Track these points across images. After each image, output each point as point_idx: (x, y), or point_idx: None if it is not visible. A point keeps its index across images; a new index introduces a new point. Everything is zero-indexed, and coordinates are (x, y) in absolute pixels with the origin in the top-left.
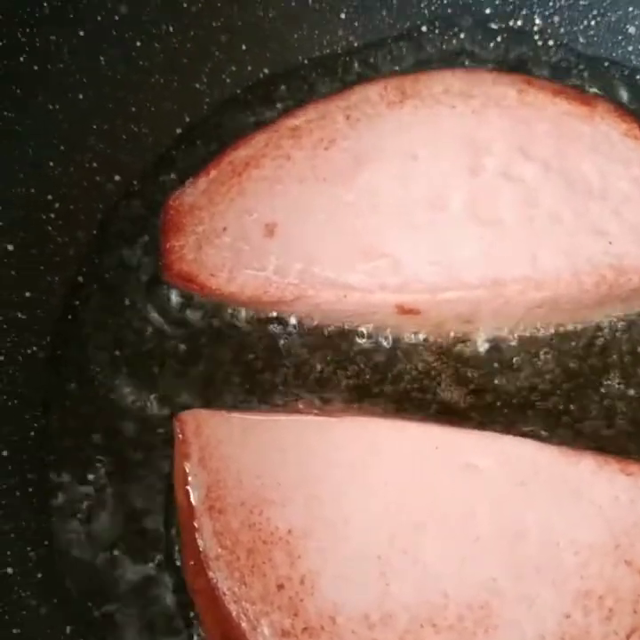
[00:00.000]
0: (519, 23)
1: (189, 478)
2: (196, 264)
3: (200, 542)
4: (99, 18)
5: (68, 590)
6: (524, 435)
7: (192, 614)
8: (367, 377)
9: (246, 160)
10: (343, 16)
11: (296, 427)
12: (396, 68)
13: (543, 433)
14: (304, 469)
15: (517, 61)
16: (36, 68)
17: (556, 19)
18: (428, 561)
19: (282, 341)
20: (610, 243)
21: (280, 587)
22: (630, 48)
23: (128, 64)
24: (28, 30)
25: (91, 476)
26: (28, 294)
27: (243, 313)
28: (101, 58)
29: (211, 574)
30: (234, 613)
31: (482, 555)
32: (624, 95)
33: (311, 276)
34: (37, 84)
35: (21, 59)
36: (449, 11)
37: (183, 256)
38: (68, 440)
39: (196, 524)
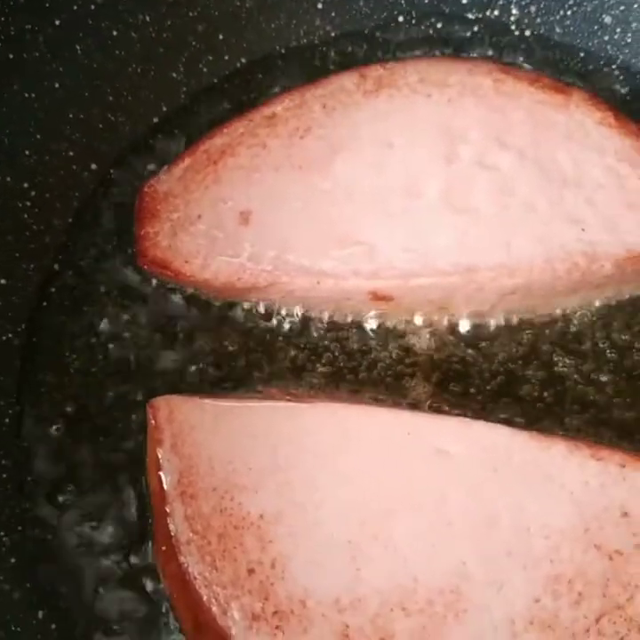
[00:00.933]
0: (496, 13)
1: (162, 464)
2: (171, 251)
3: (172, 527)
4: (75, 7)
5: (40, 576)
6: (497, 421)
7: (165, 601)
8: (341, 364)
9: (222, 148)
10: (320, 6)
11: (268, 413)
12: (373, 58)
13: (516, 419)
14: (275, 455)
15: (494, 51)
16: (11, 56)
17: (533, 8)
18: (398, 546)
19: (256, 329)
20: (583, 230)
21: (251, 571)
22: (606, 37)
23: (104, 53)
24: (2, 19)
25: (64, 463)
26: (3, 281)
27: (218, 302)
28: (77, 47)
29: (182, 559)
30: (205, 598)
31: (453, 540)
32: (599, 84)
33: (285, 262)
34: (13, 72)
35: None
36: (425, 1)
37: (158, 242)
38: (42, 426)
39: (167, 509)
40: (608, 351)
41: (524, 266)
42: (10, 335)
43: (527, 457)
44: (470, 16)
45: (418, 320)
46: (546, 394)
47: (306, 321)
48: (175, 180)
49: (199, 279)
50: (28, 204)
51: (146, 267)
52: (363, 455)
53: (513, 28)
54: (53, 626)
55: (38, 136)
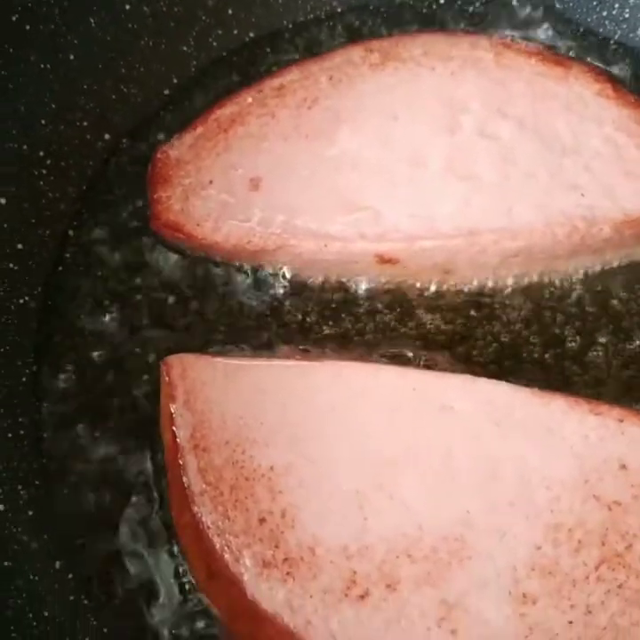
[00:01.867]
0: None
1: (175, 419)
2: (183, 214)
3: (185, 479)
4: None
5: (58, 527)
6: (500, 380)
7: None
8: (348, 326)
9: (232, 117)
10: None
11: (277, 370)
12: (378, 32)
13: (518, 380)
14: (285, 411)
15: (495, 26)
16: (28, 27)
17: None
18: (404, 496)
19: (267, 293)
20: (582, 195)
21: (262, 520)
22: (604, 13)
23: (117, 26)
24: None
25: (80, 421)
26: (19, 246)
27: (229, 267)
28: (91, 20)
29: (195, 509)
30: (217, 546)
31: (457, 490)
32: (597, 59)
33: (293, 227)
34: (29, 44)
35: (14, 18)
36: None
37: (170, 206)
38: (58, 385)
39: (181, 462)
40: (607, 314)
41: (524, 229)
42: (26, 298)
43: (528, 412)
44: None
45: (423, 283)
46: (547, 355)
47: (314, 284)
48: (187, 147)
49: (210, 242)
50: (44, 171)
51: (159, 230)
52: (370, 411)
53: (514, 3)
54: (70, 575)
55: (53, 106)
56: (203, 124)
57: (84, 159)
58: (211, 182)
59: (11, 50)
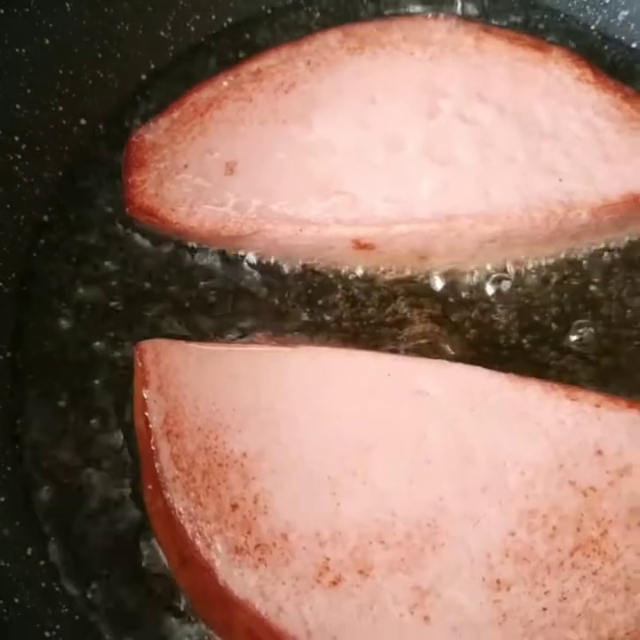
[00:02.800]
0: None
1: (148, 405)
2: (158, 199)
3: (157, 465)
4: None
5: (29, 513)
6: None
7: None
8: (325, 313)
9: (209, 101)
10: None
11: (251, 356)
12: (357, 18)
13: (495, 366)
14: (258, 396)
15: (475, 11)
16: (2, 11)
17: None
18: (377, 482)
19: (243, 279)
20: (560, 180)
21: (234, 506)
22: None
23: (93, 10)
24: None
25: (55, 404)
26: None
27: (204, 253)
28: (67, 4)
29: (167, 495)
30: (189, 532)
31: (430, 476)
32: (578, 44)
33: (269, 211)
34: (4, 27)
35: None
36: None
37: (145, 190)
38: (34, 372)
39: (153, 448)
40: (585, 300)
41: (502, 213)
42: (1, 284)
43: (503, 397)
44: None
45: (400, 270)
46: (524, 341)
47: (290, 271)
48: (163, 130)
49: (185, 226)
50: (19, 156)
51: (133, 214)
52: (343, 396)
53: None
54: (42, 562)
55: (29, 91)
56: (179, 107)
57: (60, 144)
58: (186, 166)
59: None
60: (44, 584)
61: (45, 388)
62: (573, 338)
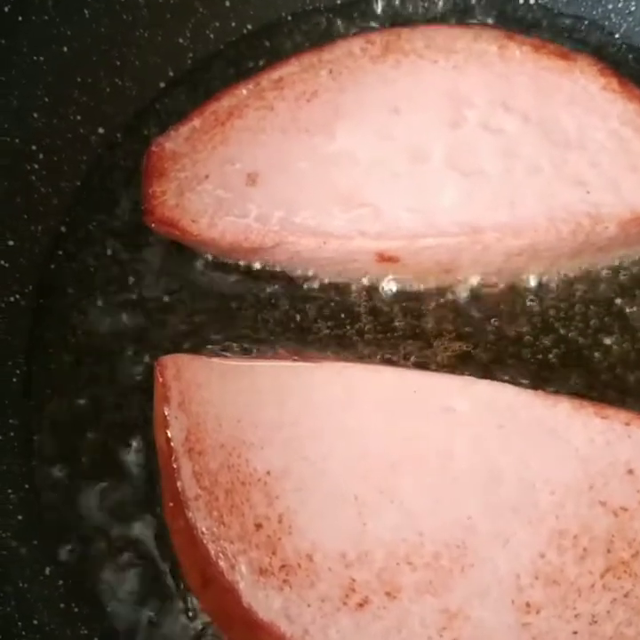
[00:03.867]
0: None
1: (169, 421)
2: (178, 209)
3: (179, 484)
4: None
5: (47, 532)
6: (502, 382)
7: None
8: (348, 326)
9: (229, 110)
10: None
11: (275, 372)
12: (379, 25)
13: (522, 381)
14: (282, 413)
15: (499, 20)
16: (20, 19)
17: None
18: (404, 500)
19: (264, 292)
20: (587, 192)
21: (258, 526)
22: (609, 6)
23: (112, 17)
24: None
25: (71, 421)
26: (11, 243)
27: (225, 265)
28: (86, 11)
29: (189, 514)
30: (212, 553)
31: (458, 495)
32: (602, 52)
33: (291, 223)
34: (22, 35)
35: (6, 9)
36: None
37: (165, 201)
38: (50, 386)
39: (175, 466)
40: (612, 314)
41: (528, 226)
42: (17, 296)
43: (532, 414)
44: None
45: (424, 283)
46: (551, 356)
47: (313, 283)
48: (183, 139)
49: (206, 238)
50: (36, 166)
51: (153, 225)
52: (369, 412)
53: None
54: (60, 582)
55: (46, 99)
56: (199, 116)
57: (78, 153)
58: (207, 177)
59: (3, 41)
60: (62, 605)
61: (61, 404)
62: (600, 353)
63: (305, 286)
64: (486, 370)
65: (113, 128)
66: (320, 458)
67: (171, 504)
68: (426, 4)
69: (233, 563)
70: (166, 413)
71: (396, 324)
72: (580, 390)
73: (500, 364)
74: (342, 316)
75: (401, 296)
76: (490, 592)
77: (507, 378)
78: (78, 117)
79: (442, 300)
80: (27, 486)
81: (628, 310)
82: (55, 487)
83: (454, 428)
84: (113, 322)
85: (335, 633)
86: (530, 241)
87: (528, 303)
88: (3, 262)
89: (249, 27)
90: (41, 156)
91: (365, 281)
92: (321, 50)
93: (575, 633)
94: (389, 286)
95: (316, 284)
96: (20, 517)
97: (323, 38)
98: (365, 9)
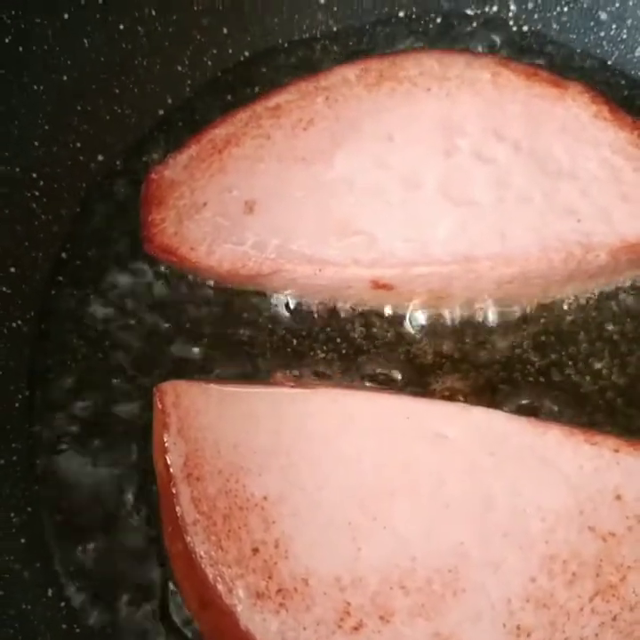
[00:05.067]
0: (494, 9)
1: (168, 447)
2: (177, 237)
3: (178, 509)
4: (82, 1)
5: (50, 555)
6: (494, 407)
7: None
8: (343, 351)
9: (227, 138)
10: (322, 1)
11: (272, 398)
12: (374, 52)
13: (514, 407)
14: (279, 439)
15: (492, 47)
16: (21, 49)
17: (530, 5)
18: (397, 527)
19: (260, 318)
20: (578, 221)
21: (255, 551)
22: (602, 33)
23: (111, 47)
24: (13, 12)
25: (72, 446)
26: (12, 269)
27: (222, 291)
28: (85, 40)
29: (188, 539)
30: (210, 576)
31: (450, 521)
32: (595, 79)
33: (288, 251)
34: (22, 65)
35: (7, 40)
36: None
37: (164, 229)
38: (51, 411)
39: (174, 491)
40: (602, 339)
41: (520, 255)
42: (19, 322)
43: (523, 441)
44: (469, 12)
45: (417, 309)
46: (542, 379)
47: (308, 309)
48: (181, 167)
49: (204, 266)
50: (37, 193)
51: (152, 252)
52: (363, 439)
53: (511, 23)
54: (62, 604)
55: (46, 127)
56: (197, 143)
57: (78, 181)
58: (205, 204)
59: (3, 71)
60: (65, 626)
61: (63, 428)
62: (591, 379)
63: (301, 312)
64: (478, 396)
65: (112, 156)
66: (315, 484)
67: (169, 528)
68: (420, 30)
69: (231, 586)
70: (165, 439)
71: (390, 350)
72: (569, 415)
73: (491, 390)
74: (338, 340)
75: (395, 323)
76: (481, 616)
77: (499, 403)
78: (78, 145)
79: (435, 327)
80: (29, 510)
81: (617, 336)
82: (57, 510)
83: (447, 455)
84: (112, 347)
85: None
86: (521, 269)
87: (518, 328)
88: (4, 288)
89: (246, 54)
90: (41, 183)
91: (360, 307)
92: (317, 77)
93: None
94: (384, 313)
95: (312, 310)
96: (22, 541)
97: (319, 65)
98: (361, 36)
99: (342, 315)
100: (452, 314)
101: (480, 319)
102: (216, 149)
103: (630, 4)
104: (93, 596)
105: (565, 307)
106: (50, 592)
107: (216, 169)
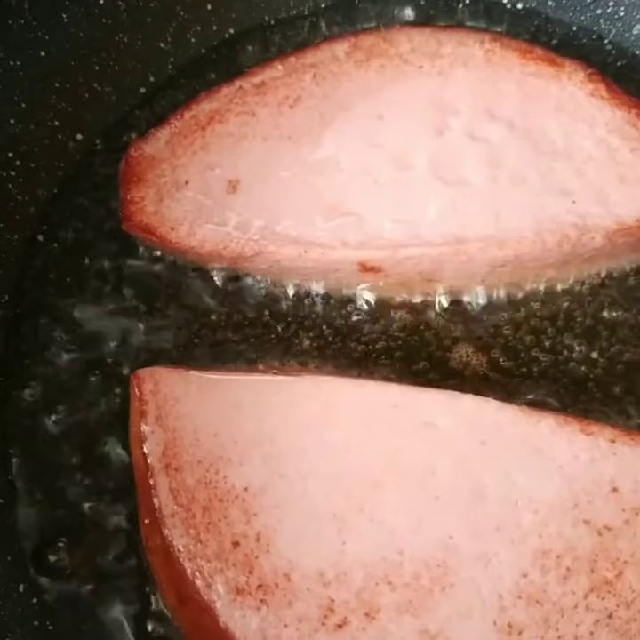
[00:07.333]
0: None
1: (146, 436)
2: (157, 216)
3: (155, 500)
4: None
5: (22, 549)
6: (486, 396)
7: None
8: (329, 338)
9: (211, 114)
10: None
11: (254, 385)
12: (364, 28)
13: (506, 394)
14: (261, 428)
15: (486, 24)
16: None
17: None
18: (384, 519)
19: (244, 303)
20: (573, 202)
21: (235, 544)
22: (599, 11)
23: (91, 22)
24: None
25: (45, 438)
26: None
27: (204, 274)
28: (63, 15)
29: (166, 532)
30: (188, 571)
31: (440, 513)
32: (591, 58)
33: (272, 232)
34: None
35: None
36: None
37: (144, 208)
38: (25, 397)
39: (151, 482)
40: (598, 325)
41: (513, 237)
42: None
43: (516, 430)
44: None
45: (407, 294)
46: (535, 368)
47: (294, 294)
48: (163, 143)
49: (185, 246)
50: (13, 173)
51: (131, 232)
52: (349, 428)
53: (505, 1)
54: (34, 600)
55: (23, 105)
56: (179, 119)
57: (55, 160)
58: (186, 183)
59: None
60: (36, 622)
61: (38, 417)
62: (587, 367)
63: (286, 296)
64: (469, 383)
65: (92, 135)
66: (299, 475)
67: (146, 521)
68: (411, 8)
69: (209, 582)
70: (143, 428)
71: (378, 336)
72: (565, 403)
73: (485, 377)
74: (323, 327)
75: (383, 308)
76: (471, 613)
77: (490, 392)
78: (56, 123)
79: (424, 311)
80: (1, 501)
81: (613, 322)
82: (31, 504)
83: (435, 444)
84: (90, 332)
85: None
86: (514, 252)
87: (512, 314)
88: None
89: (231, 31)
90: (17, 162)
91: (347, 292)
92: (304, 53)
93: None
94: (372, 298)
95: (297, 294)
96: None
97: (307, 42)
98: (350, 13)
99: (329, 300)
100: (442, 300)
101: (471, 306)
102: (199, 126)
103: None
104: (66, 593)
105: (560, 291)
106: (21, 588)
107: (199, 146)
